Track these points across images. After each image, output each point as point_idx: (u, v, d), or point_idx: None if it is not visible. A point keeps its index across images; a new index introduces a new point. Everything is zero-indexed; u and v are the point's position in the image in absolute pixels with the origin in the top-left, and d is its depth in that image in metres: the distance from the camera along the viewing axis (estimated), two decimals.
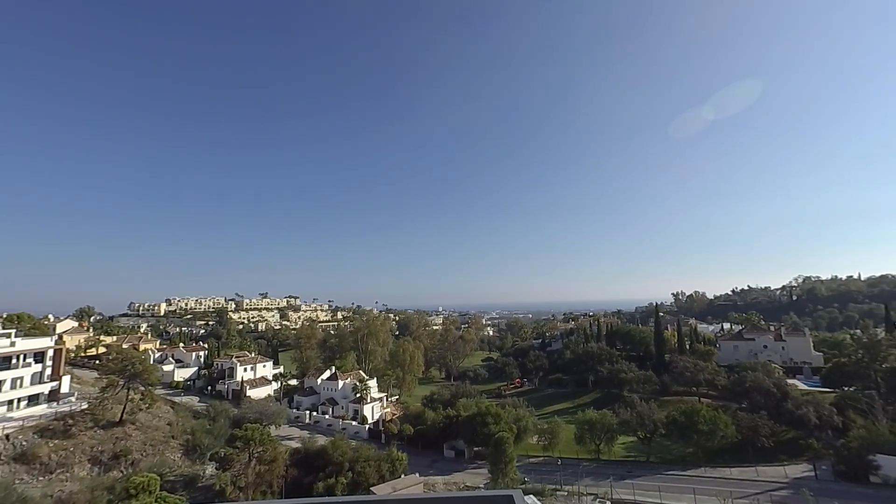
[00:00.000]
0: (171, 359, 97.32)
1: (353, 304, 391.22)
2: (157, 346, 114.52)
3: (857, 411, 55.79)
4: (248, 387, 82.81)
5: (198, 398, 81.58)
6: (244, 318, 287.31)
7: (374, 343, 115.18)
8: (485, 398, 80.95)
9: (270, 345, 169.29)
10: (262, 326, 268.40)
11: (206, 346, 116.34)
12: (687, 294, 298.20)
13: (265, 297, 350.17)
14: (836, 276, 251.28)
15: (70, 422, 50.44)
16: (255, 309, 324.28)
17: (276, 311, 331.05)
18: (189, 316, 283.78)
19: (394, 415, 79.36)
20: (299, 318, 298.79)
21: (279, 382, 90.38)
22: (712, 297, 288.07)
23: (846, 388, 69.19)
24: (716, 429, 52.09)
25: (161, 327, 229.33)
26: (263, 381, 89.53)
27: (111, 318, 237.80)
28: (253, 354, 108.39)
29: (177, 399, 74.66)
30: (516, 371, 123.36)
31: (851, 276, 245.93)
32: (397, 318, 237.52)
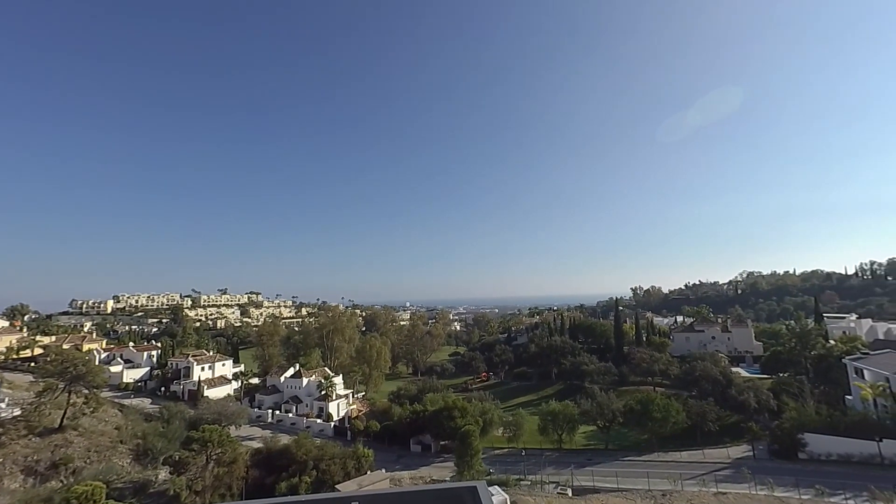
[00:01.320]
0: (119, 359, 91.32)
1: (318, 300, 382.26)
2: (104, 345, 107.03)
3: (790, 395, 60.95)
4: (205, 387, 79.18)
5: (150, 400, 77.20)
6: (202, 316, 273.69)
7: (340, 339, 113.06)
8: (451, 392, 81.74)
9: (230, 343, 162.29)
10: (221, 324, 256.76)
11: (159, 345, 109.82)
12: (644, 289, 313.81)
13: (224, 294, 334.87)
14: (775, 272, 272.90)
15: None
16: (213, 306, 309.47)
17: (236, 307, 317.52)
18: (140, 314, 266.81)
19: (360, 411, 78.52)
20: (261, 314, 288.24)
21: (240, 381, 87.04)
22: (667, 292, 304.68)
23: (781, 374, 75.36)
24: (668, 416, 55.17)
25: (108, 326, 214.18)
26: (222, 381, 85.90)
27: (49, 316, 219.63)
28: (211, 353, 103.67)
29: (126, 402, 70.33)
30: (483, 365, 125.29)
31: (788, 272, 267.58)
32: (364, 314, 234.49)
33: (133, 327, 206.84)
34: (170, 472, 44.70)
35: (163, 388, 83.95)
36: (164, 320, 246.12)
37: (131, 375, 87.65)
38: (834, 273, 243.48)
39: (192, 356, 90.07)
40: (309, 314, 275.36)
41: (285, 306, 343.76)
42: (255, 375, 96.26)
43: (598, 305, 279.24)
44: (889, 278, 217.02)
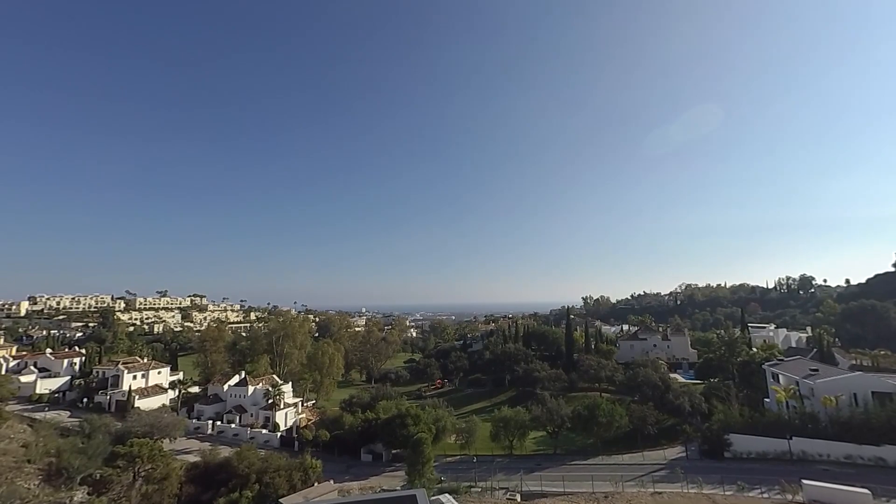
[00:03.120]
0: (32, 367, 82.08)
1: (268, 304, 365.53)
2: (13, 352, 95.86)
3: (719, 398, 66.06)
4: (136, 396, 72.93)
5: (69, 413, 69.87)
6: (136, 320, 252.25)
7: (291, 345, 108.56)
8: (405, 400, 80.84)
9: (168, 349, 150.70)
10: (159, 328, 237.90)
11: (83, 351, 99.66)
12: (595, 298, 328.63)
13: (164, 296, 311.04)
14: (709, 285, 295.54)
15: None
16: (150, 309, 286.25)
17: (177, 311, 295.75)
18: (62, 317, 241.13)
19: (309, 420, 75.66)
20: (205, 318, 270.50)
21: (177, 390, 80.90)
22: (615, 301, 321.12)
23: (712, 380, 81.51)
24: (613, 420, 57.89)
25: (21, 330, 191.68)
26: (157, 390, 79.55)
27: None
28: (145, 360, 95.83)
29: (39, 415, 63.07)
30: (438, 372, 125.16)
31: (720, 285, 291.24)
32: (317, 319, 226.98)
33: (52, 332, 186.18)
34: (88, 493, 40.56)
35: (85, 400, 76.30)
36: (91, 324, 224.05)
37: (47, 386, 79.00)
38: (758, 287, 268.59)
39: (123, 363, 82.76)
40: (258, 319, 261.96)
41: (232, 310, 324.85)
42: (195, 384, 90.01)
43: (552, 313, 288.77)
44: (801, 292, 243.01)
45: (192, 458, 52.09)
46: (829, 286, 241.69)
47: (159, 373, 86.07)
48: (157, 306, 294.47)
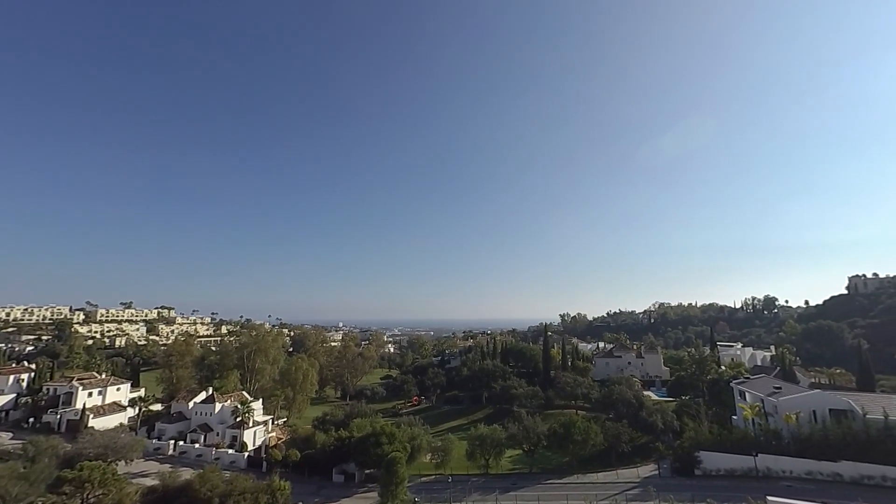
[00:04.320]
0: None
1: (241, 317, 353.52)
2: None
3: (690, 416, 67.51)
4: (91, 415, 68.61)
5: (11, 434, 64.90)
6: (96, 332, 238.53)
7: (263, 360, 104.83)
8: (380, 417, 79.00)
9: (130, 363, 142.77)
10: (121, 342, 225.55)
11: (33, 366, 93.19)
12: (572, 315, 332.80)
13: (128, 308, 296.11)
14: (681, 303, 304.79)
15: None
16: (113, 321, 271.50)
17: (142, 323, 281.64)
18: (12, 329, 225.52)
19: (279, 439, 72.77)
20: (172, 332, 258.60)
21: (137, 408, 76.49)
22: (592, 319, 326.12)
23: (683, 397, 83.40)
24: (588, 438, 57.97)
25: None
26: (115, 408, 75.12)
27: None
28: (104, 375, 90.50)
29: None
30: (415, 389, 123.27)
31: (691, 304, 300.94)
32: (292, 334, 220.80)
33: None
34: None
35: (32, 419, 71.16)
36: (44, 337, 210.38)
37: None
38: (726, 306, 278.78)
39: (78, 379, 77.92)
40: (230, 332, 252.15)
41: (202, 323, 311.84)
42: (157, 401, 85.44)
43: (530, 330, 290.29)
44: (765, 312, 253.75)
45: (150, 482, 49.04)
46: (790, 307, 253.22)
47: (118, 389, 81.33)
48: (120, 318, 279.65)
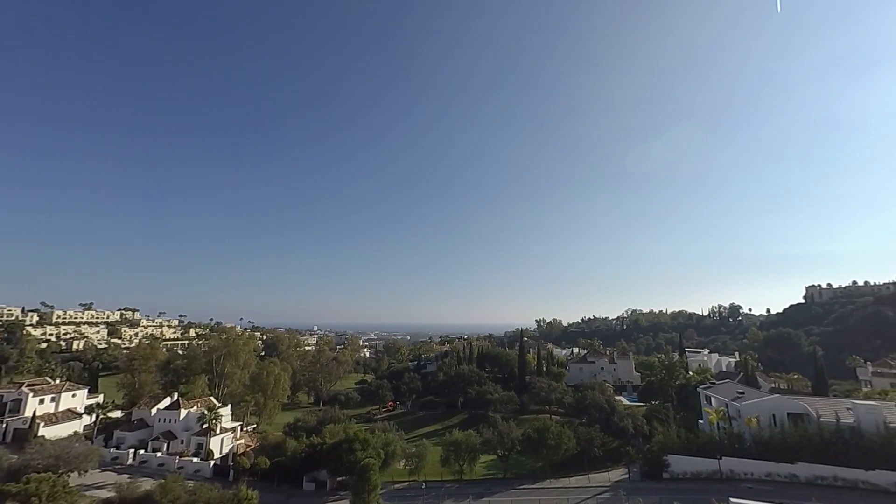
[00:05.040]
0: None
1: (211, 320, 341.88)
2: None
3: (659, 420, 69.47)
4: (42, 424, 64.52)
5: None
6: (52, 335, 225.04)
7: (233, 365, 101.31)
8: (354, 423, 77.63)
9: (88, 368, 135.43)
10: (79, 345, 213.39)
11: None
12: (547, 321, 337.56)
13: (88, 309, 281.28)
14: (652, 310, 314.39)
15: None
16: (70, 323, 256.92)
17: (103, 326, 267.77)
18: None
19: (248, 446, 70.29)
20: (136, 335, 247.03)
21: (94, 415, 72.41)
22: (567, 325, 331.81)
23: (653, 402, 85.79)
24: (561, 443, 58.74)
25: None
26: (70, 415, 70.89)
27: None
28: (58, 381, 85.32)
29: None
30: (390, 394, 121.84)
31: (662, 311, 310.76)
32: (265, 337, 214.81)
33: None
34: None
35: None
36: None
37: None
38: (694, 314, 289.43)
39: (28, 385, 73.12)
40: (199, 336, 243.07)
41: (169, 326, 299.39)
42: (117, 408, 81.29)
43: (506, 335, 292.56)
44: (731, 319, 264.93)
45: (106, 494, 46.40)
46: (753, 315, 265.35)
47: (74, 396, 76.78)
48: (78, 321, 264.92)
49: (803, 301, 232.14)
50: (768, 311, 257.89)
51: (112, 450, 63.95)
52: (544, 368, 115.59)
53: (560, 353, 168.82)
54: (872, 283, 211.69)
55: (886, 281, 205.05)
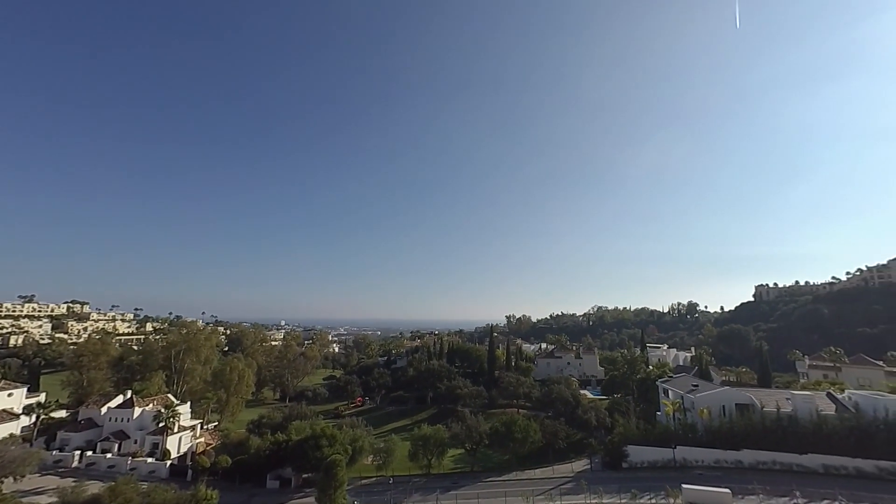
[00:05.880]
0: None
1: (170, 314, 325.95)
2: None
3: (620, 413, 72.40)
4: None
5: None
6: None
7: (194, 361, 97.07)
8: (322, 419, 76.41)
9: (28, 365, 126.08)
10: (17, 340, 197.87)
11: None
12: (517, 317, 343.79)
13: (29, 302, 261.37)
14: (617, 307, 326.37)
15: None
16: (8, 316, 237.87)
17: (46, 320, 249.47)
18: None
19: (209, 445, 67.77)
20: (86, 329, 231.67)
21: (34, 416, 67.43)
22: (536, 321, 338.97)
23: (616, 395, 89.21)
24: (528, 436, 60.08)
25: None
26: (5, 416, 65.69)
27: None
28: None
29: None
30: (359, 389, 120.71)
31: (626, 308, 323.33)
32: (228, 332, 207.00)
33: None
34: None
35: None
36: None
37: None
38: (656, 311, 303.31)
39: None
40: (156, 330, 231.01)
41: (124, 320, 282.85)
42: (62, 407, 76.12)
43: (477, 331, 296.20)
44: (688, 316, 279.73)
45: (46, 500, 43.51)
46: (708, 312, 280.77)
47: (10, 395, 71.29)
48: (17, 314, 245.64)
49: (753, 299, 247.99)
50: (722, 308, 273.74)
51: (55, 452, 59.95)
52: (513, 363, 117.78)
53: (529, 348, 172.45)
54: (812, 283, 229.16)
55: (823, 281, 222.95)
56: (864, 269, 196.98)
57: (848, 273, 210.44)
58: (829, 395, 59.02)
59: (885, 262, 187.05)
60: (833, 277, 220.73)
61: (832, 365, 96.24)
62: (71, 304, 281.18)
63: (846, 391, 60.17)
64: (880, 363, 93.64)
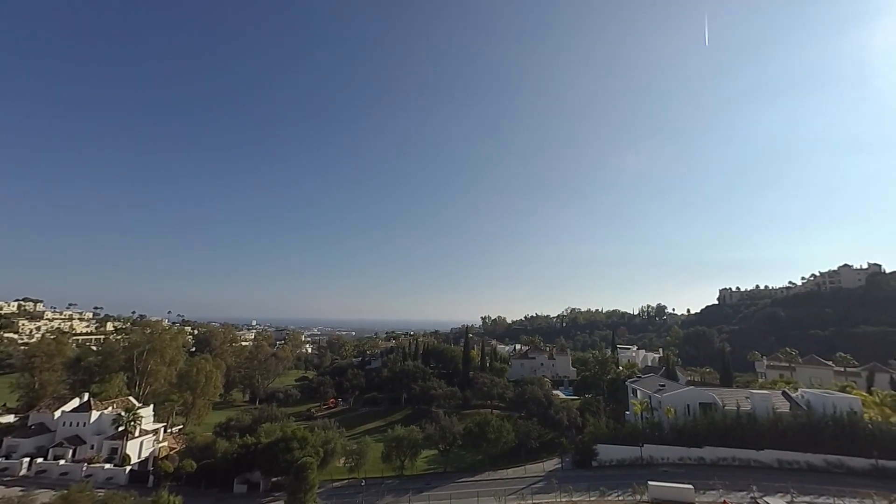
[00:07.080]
0: None
1: (133, 313, 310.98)
2: None
3: (591, 412, 74.00)
4: None
5: None
6: None
7: (158, 361, 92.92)
8: (293, 421, 74.74)
9: None
10: None
11: None
12: (492, 318, 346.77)
13: None
14: (589, 309, 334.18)
15: None
16: None
17: None
18: None
19: (172, 449, 65.18)
20: (38, 328, 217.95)
21: None
22: (511, 322, 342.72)
23: (587, 395, 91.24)
24: (501, 436, 60.57)
25: None
26: None
27: None
28: None
29: None
30: (332, 391, 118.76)
31: (598, 310, 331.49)
32: (196, 332, 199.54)
33: None
34: None
35: None
36: None
37: None
38: (626, 313, 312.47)
39: None
40: (117, 330, 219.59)
41: (82, 319, 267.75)
42: (10, 411, 71.50)
43: (452, 332, 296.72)
44: (657, 318, 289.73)
45: None
46: (676, 314, 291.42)
47: None
48: None
49: (717, 302, 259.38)
50: (688, 310, 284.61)
51: (1, 460, 56.13)
52: (488, 364, 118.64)
53: (504, 349, 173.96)
54: (771, 287, 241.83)
55: (781, 285, 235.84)
56: (818, 274, 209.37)
57: (803, 278, 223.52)
58: (785, 393, 62.49)
59: (835, 268, 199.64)
60: (790, 282, 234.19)
61: (787, 365, 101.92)
62: (22, 302, 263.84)
63: (800, 390, 63.91)
64: (830, 363, 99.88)
